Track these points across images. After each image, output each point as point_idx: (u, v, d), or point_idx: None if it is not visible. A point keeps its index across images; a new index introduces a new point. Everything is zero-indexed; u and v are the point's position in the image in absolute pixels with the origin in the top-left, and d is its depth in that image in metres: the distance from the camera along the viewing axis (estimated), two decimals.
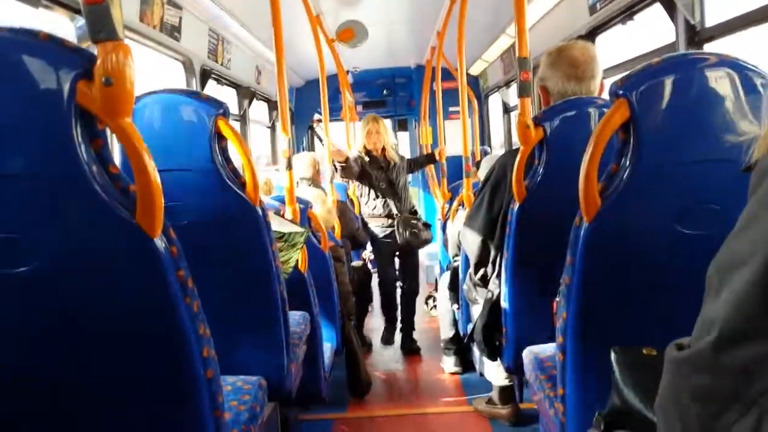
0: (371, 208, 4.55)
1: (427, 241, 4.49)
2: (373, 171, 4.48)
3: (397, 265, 4.74)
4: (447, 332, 3.78)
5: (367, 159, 4.48)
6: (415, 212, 4.70)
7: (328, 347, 2.97)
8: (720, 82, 1.32)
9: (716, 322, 0.56)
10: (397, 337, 4.57)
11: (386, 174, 4.51)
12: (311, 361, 2.53)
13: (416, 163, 5.16)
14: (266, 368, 1.92)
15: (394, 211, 4.48)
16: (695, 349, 0.59)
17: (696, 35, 2.66)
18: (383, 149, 4.52)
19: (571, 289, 1.44)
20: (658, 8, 2.85)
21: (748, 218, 0.58)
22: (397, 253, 4.61)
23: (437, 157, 5.08)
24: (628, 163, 1.35)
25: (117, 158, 1.18)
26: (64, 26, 2.69)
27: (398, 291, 4.66)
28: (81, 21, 2.68)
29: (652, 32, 3.25)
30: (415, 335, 4.48)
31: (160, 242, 1.10)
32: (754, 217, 0.57)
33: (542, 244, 2.00)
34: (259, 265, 1.87)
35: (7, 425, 1.17)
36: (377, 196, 4.52)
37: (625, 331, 1.41)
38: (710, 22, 2.63)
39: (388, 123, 4.74)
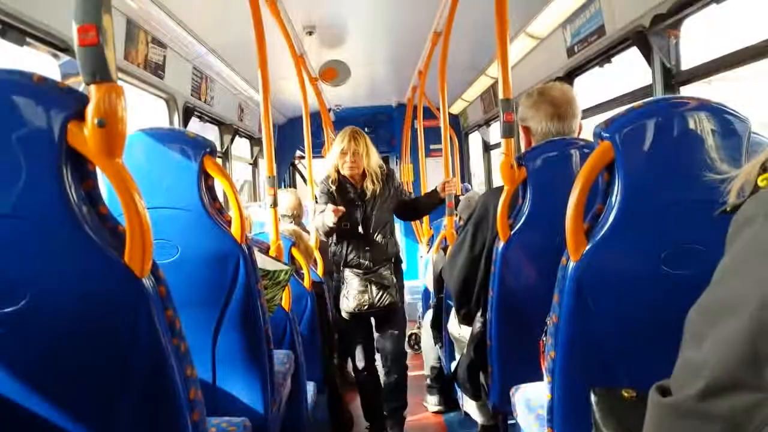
0: (336, 254, 3.49)
1: (392, 305, 3.37)
2: (343, 205, 3.34)
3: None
4: (430, 370, 3.76)
5: (333, 189, 3.41)
6: (395, 260, 3.58)
7: (311, 386, 2.94)
8: (700, 125, 1.35)
9: (703, 370, 0.57)
10: None
11: (358, 209, 3.38)
12: (295, 400, 2.50)
13: (414, 207, 3.75)
14: (250, 408, 1.89)
15: (365, 261, 3.37)
16: (681, 396, 0.59)
17: (672, 78, 2.73)
18: (362, 175, 3.39)
19: (559, 328, 1.45)
20: (634, 51, 2.93)
21: (730, 268, 0.59)
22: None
23: (442, 192, 3.60)
24: (613, 203, 1.38)
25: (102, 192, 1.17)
26: (49, 64, 2.70)
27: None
28: (64, 59, 2.69)
29: (629, 74, 3.33)
30: None
31: (148, 282, 1.10)
32: (737, 268, 0.58)
33: (527, 282, 2.02)
34: (244, 303, 1.85)
35: None
36: (340, 240, 3.44)
37: (613, 370, 1.42)
38: (686, 65, 2.71)
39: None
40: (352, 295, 3.34)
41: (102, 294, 1.07)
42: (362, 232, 3.38)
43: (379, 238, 3.40)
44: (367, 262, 3.37)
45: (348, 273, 3.39)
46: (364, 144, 3.35)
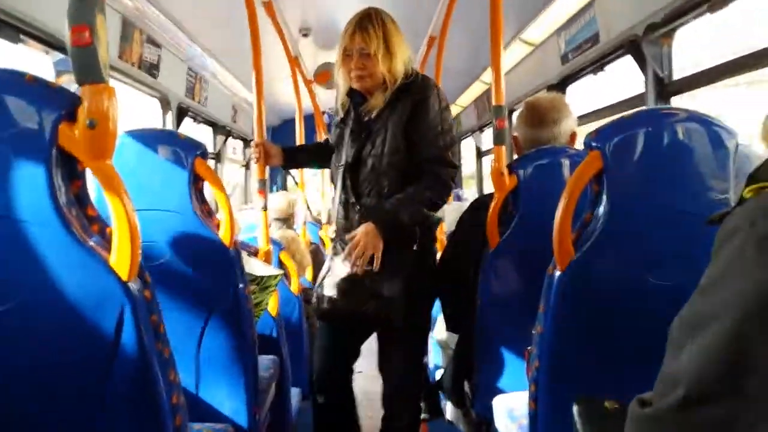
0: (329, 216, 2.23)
1: (395, 311, 2.02)
2: (343, 133, 2.19)
3: None
4: None
5: (341, 117, 2.24)
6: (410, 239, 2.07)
7: (296, 392, 2.92)
8: (689, 136, 1.37)
9: (681, 380, 0.57)
10: None
11: (355, 141, 2.11)
12: (279, 406, 2.49)
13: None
14: (234, 415, 1.88)
15: (352, 215, 2.11)
16: (660, 406, 0.60)
17: (664, 88, 2.75)
18: (383, 87, 2.07)
19: (544, 338, 1.45)
20: (628, 60, 2.94)
21: (712, 279, 0.60)
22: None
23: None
24: (601, 213, 1.38)
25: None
26: (41, 61, 2.69)
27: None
28: (57, 56, 2.68)
29: (622, 83, 3.34)
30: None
31: (134, 286, 1.09)
32: (719, 279, 0.58)
33: (515, 289, 2.03)
34: (231, 308, 1.85)
35: None
36: (335, 185, 2.20)
37: (597, 381, 1.42)
38: (678, 74, 2.72)
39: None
40: (329, 283, 2.10)
41: (88, 296, 1.07)
42: (348, 179, 2.10)
43: (376, 191, 2.06)
44: (349, 220, 2.11)
45: (338, 245, 2.16)
46: (378, 37, 2.02)
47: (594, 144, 1.40)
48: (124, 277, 1.06)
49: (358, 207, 2.08)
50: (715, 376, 0.55)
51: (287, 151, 2.47)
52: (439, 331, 2.74)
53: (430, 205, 2.01)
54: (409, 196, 1.98)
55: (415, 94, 2.04)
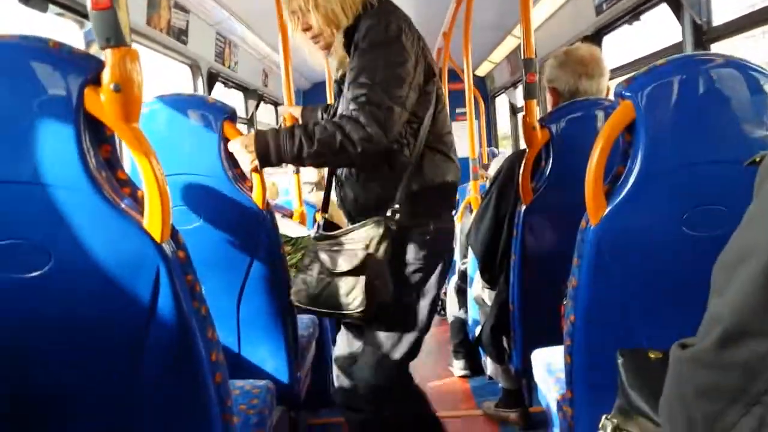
0: None
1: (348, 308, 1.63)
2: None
3: None
4: (455, 335, 3.77)
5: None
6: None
7: None
8: (726, 83, 1.32)
9: (722, 318, 0.56)
10: None
11: (338, 96, 1.93)
12: (319, 365, 2.53)
13: None
14: (275, 372, 1.93)
15: (338, 190, 1.87)
16: (701, 345, 0.59)
17: (703, 35, 2.65)
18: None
19: (578, 291, 1.44)
20: (664, 8, 2.85)
21: (752, 216, 0.58)
22: None
23: None
24: (634, 164, 1.35)
25: (126, 163, 1.18)
26: (73, 32, 2.72)
27: None
28: (89, 26, 2.70)
29: (658, 32, 3.24)
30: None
31: (167, 247, 1.11)
32: (759, 215, 0.57)
33: (549, 245, 2.01)
34: (267, 268, 1.88)
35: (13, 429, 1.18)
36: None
37: (633, 333, 1.41)
38: (717, 21, 2.62)
39: None
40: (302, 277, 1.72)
41: (122, 258, 1.09)
42: None
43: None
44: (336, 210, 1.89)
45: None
46: None
47: (625, 93, 1.35)
48: (157, 238, 1.07)
49: (336, 179, 1.84)
50: (754, 310, 0.53)
51: (304, 110, 2.45)
52: (475, 288, 2.75)
53: (335, 146, 1.57)
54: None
55: (362, 30, 1.64)
